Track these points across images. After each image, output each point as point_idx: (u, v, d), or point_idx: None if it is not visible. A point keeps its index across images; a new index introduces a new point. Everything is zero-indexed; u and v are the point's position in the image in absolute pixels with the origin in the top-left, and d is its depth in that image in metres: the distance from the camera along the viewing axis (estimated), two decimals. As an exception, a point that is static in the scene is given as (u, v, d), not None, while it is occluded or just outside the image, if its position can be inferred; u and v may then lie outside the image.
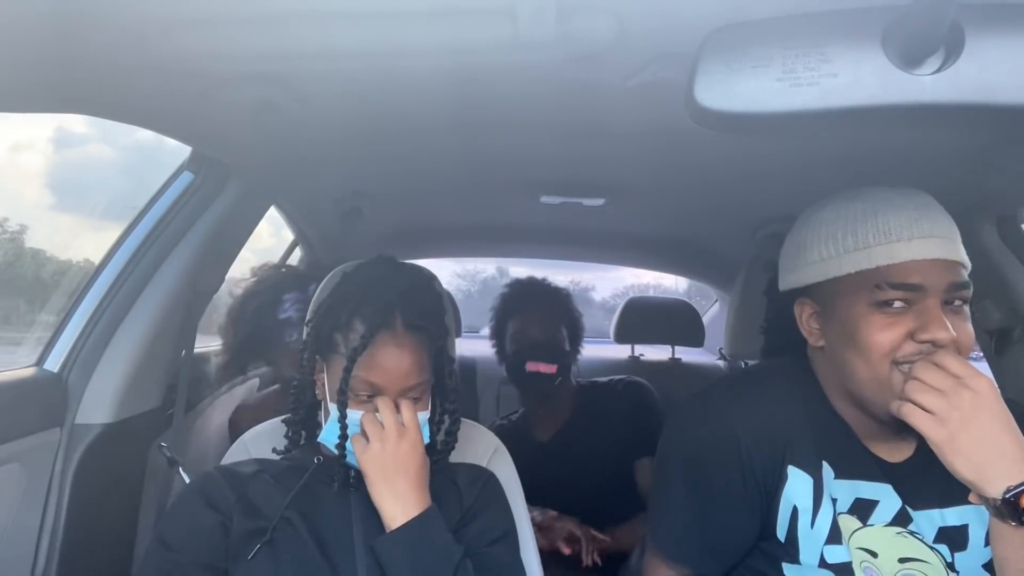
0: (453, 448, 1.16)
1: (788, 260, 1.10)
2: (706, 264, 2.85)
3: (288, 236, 2.22)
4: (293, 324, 1.63)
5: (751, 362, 1.61)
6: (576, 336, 2.08)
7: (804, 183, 1.38)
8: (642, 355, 2.95)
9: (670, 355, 2.95)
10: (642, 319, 2.85)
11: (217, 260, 1.64)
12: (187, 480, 1.46)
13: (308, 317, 1.15)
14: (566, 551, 1.73)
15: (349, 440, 1.04)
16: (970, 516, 1.00)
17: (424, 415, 1.08)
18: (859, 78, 0.78)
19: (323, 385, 1.10)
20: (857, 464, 1.03)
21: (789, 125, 0.83)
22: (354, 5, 0.84)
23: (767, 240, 1.95)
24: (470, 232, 2.69)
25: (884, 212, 0.98)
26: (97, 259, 1.50)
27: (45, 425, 1.32)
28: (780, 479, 1.02)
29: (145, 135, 1.29)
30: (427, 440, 1.07)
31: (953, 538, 1.00)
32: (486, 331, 2.20)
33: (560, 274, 2.18)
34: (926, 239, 0.96)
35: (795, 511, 1.01)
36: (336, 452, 1.07)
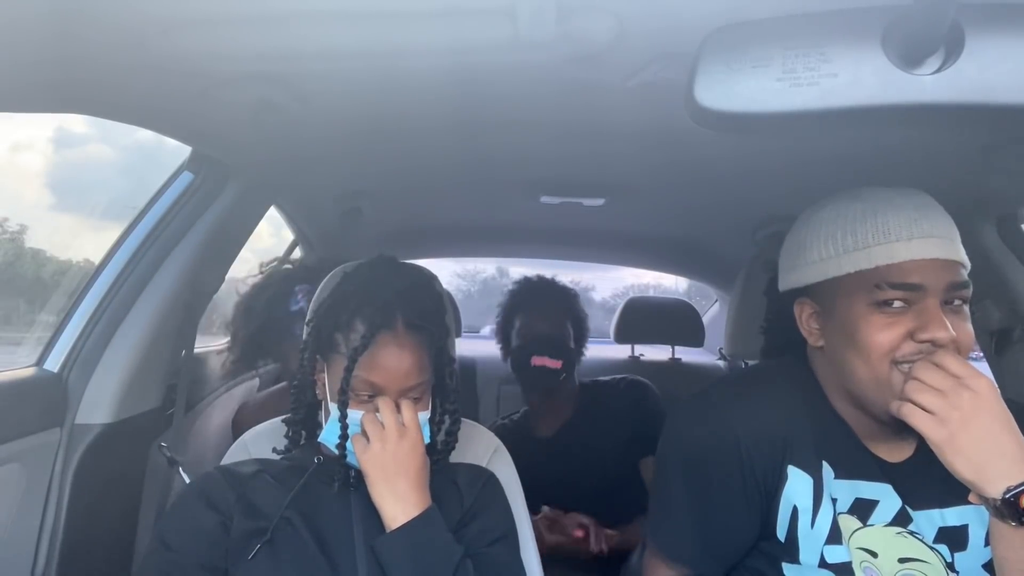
0: (453, 448, 1.16)
1: (788, 260, 1.10)
2: (706, 264, 2.85)
3: (288, 236, 2.22)
4: (304, 316, 1.62)
5: (751, 362, 1.62)
6: (581, 336, 2.09)
7: (804, 183, 1.39)
8: (642, 355, 2.95)
9: (670, 355, 2.95)
10: (642, 319, 2.85)
11: (217, 260, 1.64)
12: (187, 480, 1.46)
13: (308, 317, 1.15)
14: (579, 534, 1.76)
15: (350, 440, 1.04)
16: (970, 516, 1.00)
17: (424, 415, 1.08)
18: (859, 78, 0.79)
19: (323, 385, 1.10)
20: (857, 464, 1.03)
21: (789, 125, 0.83)
22: (354, 5, 0.84)
23: (767, 240, 1.95)
24: (470, 232, 2.69)
25: (884, 212, 0.98)
26: (97, 259, 1.50)
27: (45, 425, 1.32)
28: (780, 479, 1.02)
29: (145, 135, 1.29)
30: (427, 440, 1.07)
31: (953, 538, 1.00)
32: (486, 331, 2.21)
33: (560, 274, 2.19)
34: (926, 239, 0.96)
35: (795, 511, 1.01)
36: (336, 452, 1.07)
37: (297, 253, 2.28)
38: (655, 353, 2.99)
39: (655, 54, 0.95)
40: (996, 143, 1.24)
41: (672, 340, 2.88)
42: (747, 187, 1.70)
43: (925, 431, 0.88)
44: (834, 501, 1.01)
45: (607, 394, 2.07)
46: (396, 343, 1.04)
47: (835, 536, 0.99)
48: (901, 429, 0.93)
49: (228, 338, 1.78)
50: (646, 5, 0.83)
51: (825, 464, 1.02)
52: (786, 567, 1.02)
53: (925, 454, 0.92)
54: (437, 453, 1.14)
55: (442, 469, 1.14)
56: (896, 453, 1.04)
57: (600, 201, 1.91)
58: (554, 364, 1.96)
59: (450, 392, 1.15)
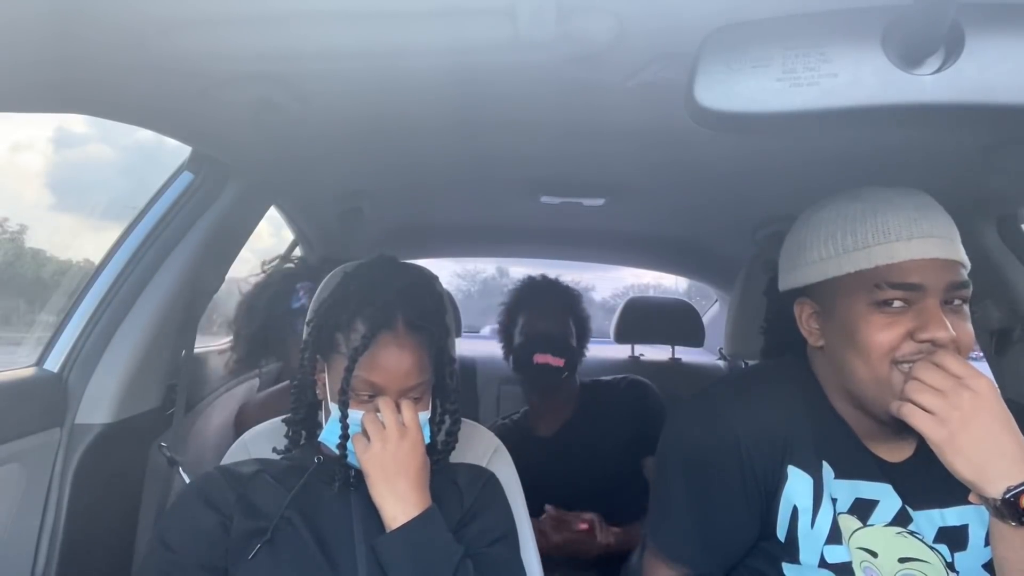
0: (453, 448, 1.16)
1: (788, 260, 1.10)
2: (706, 264, 2.85)
3: (288, 236, 2.22)
4: (306, 313, 1.62)
5: (751, 362, 1.62)
6: (583, 336, 2.09)
7: (804, 183, 1.39)
8: (642, 355, 2.95)
9: (670, 355, 2.95)
10: (642, 319, 2.85)
11: (217, 260, 1.64)
12: (187, 480, 1.46)
13: (309, 317, 1.15)
14: (583, 526, 1.77)
15: (350, 440, 1.04)
16: (970, 516, 1.00)
17: (425, 415, 1.08)
18: (859, 78, 0.79)
19: (324, 385, 1.10)
20: (857, 464, 1.03)
21: (789, 125, 0.83)
22: (354, 5, 0.84)
23: (767, 240, 1.95)
24: (470, 232, 2.69)
25: (883, 212, 0.98)
26: (97, 259, 1.50)
27: (45, 425, 1.32)
28: (780, 479, 1.02)
29: (145, 135, 1.29)
30: (428, 440, 1.07)
31: (953, 538, 1.00)
32: (486, 331, 2.21)
33: (560, 274, 2.19)
34: (925, 239, 0.96)
35: (795, 511, 1.01)
36: (337, 452, 1.07)
37: (297, 253, 2.28)
38: (655, 353, 2.99)
39: (655, 54, 0.95)
40: (996, 143, 1.24)
41: (672, 340, 2.88)
42: (747, 187, 1.70)
43: (925, 431, 0.88)
44: (834, 501, 1.01)
45: (607, 394, 2.08)
46: (396, 343, 1.04)
47: (835, 536, 0.99)
48: (901, 429, 0.93)
49: (229, 338, 1.79)
50: (646, 5, 0.83)
51: (825, 464, 1.02)
52: (786, 567, 1.02)
53: (925, 454, 0.92)
54: (437, 453, 1.14)
55: (442, 469, 1.14)
56: (896, 453, 1.04)
57: (600, 201, 1.91)
58: (556, 362, 1.97)
59: (450, 392, 1.15)
